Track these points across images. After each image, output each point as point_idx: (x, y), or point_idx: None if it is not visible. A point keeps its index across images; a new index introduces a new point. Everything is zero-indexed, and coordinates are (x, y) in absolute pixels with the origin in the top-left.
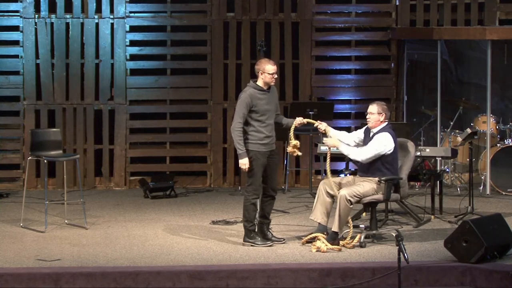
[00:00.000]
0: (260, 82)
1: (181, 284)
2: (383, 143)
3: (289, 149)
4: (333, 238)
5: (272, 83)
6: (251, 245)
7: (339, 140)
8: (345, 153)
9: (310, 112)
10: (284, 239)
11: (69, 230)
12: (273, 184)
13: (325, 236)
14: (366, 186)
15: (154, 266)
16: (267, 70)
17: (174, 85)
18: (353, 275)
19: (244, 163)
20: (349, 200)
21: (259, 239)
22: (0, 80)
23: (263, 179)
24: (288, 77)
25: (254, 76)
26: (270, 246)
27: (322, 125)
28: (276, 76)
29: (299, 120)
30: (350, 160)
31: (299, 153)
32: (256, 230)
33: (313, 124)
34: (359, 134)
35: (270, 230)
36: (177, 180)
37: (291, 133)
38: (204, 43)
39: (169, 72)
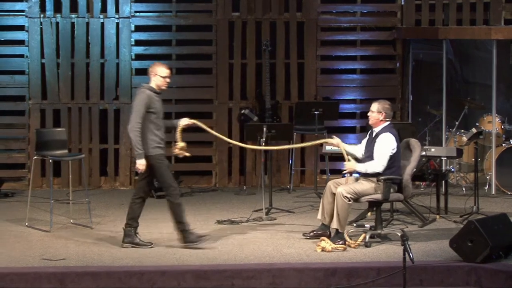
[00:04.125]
0: (153, 84)
1: (186, 283)
2: (387, 145)
3: (176, 150)
4: (338, 238)
5: (164, 87)
6: (186, 246)
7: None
8: (363, 171)
9: (316, 112)
10: (152, 244)
11: (74, 230)
12: (148, 186)
13: (328, 235)
14: (366, 184)
15: (159, 266)
16: (160, 73)
17: (179, 85)
18: (358, 275)
19: (142, 163)
20: (346, 196)
21: (194, 236)
22: (6, 80)
23: (147, 182)
24: (293, 77)
25: (259, 76)
26: (205, 240)
27: (334, 140)
28: (168, 80)
29: (185, 121)
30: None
31: (187, 154)
32: (190, 229)
33: (202, 127)
34: (364, 141)
35: (137, 235)
36: (182, 179)
37: (178, 135)
38: (209, 42)
39: (174, 71)
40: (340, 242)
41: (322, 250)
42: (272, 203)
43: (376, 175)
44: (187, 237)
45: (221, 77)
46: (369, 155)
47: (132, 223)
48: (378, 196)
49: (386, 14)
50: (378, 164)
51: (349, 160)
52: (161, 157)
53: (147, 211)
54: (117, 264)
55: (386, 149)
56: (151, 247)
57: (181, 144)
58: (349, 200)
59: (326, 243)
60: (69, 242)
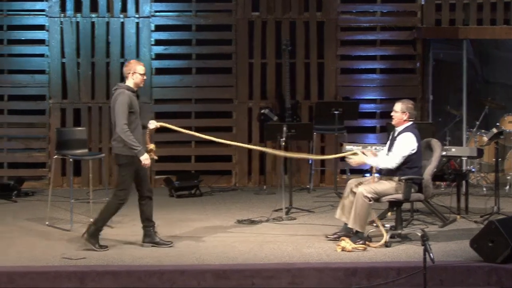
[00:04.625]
0: (130, 83)
1: (206, 283)
2: (406, 145)
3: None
4: (358, 237)
5: (141, 85)
6: (87, 244)
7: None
8: (374, 165)
9: (336, 112)
10: (172, 242)
11: None
12: (147, 185)
13: (350, 235)
14: (386, 184)
15: (179, 265)
16: (138, 70)
17: (199, 84)
18: (378, 275)
19: (145, 158)
20: (366, 196)
21: (97, 244)
22: (26, 79)
23: (137, 183)
24: (313, 77)
25: (279, 75)
26: (106, 250)
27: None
28: (145, 77)
29: (153, 124)
30: None
31: (155, 157)
32: (101, 231)
33: (173, 128)
34: (388, 142)
35: (156, 234)
36: (202, 179)
37: (147, 138)
38: (229, 42)
39: (194, 71)
40: (360, 242)
41: (342, 250)
42: (292, 203)
43: (392, 173)
44: (92, 236)
45: (241, 76)
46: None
47: (147, 223)
48: (399, 196)
49: (406, 14)
50: (392, 161)
51: (357, 154)
52: (132, 158)
53: (167, 210)
54: (137, 263)
55: (404, 148)
56: (171, 246)
57: (150, 146)
58: (370, 200)
59: (346, 243)
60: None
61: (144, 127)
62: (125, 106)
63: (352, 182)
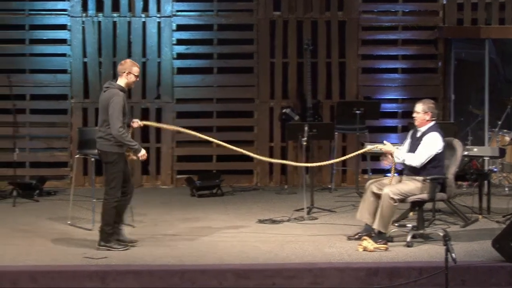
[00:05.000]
0: (122, 83)
1: (227, 282)
2: (433, 144)
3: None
4: (380, 238)
5: (132, 86)
6: (107, 249)
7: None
8: (400, 158)
9: (357, 112)
10: (137, 241)
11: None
12: (131, 181)
13: (372, 236)
14: (411, 184)
15: (200, 265)
16: (134, 71)
17: (220, 84)
18: (400, 275)
19: (142, 153)
20: (392, 198)
21: (115, 242)
22: (48, 79)
23: (123, 179)
24: (334, 76)
25: (301, 75)
26: (126, 250)
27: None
28: (138, 79)
29: (136, 123)
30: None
31: (134, 157)
32: (113, 233)
33: (158, 126)
34: (407, 142)
35: (122, 232)
36: (223, 178)
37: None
38: (251, 41)
39: (215, 70)
40: (382, 242)
41: (364, 250)
42: (313, 203)
43: (416, 173)
44: (108, 241)
45: (263, 76)
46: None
47: (117, 220)
48: (424, 196)
49: (427, 13)
50: (417, 159)
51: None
52: (121, 156)
53: (188, 210)
54: (159, 263)
55: (430, 148)
56: (127, 249)
57: None
58: (395, 202)
59: (368, 243)
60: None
61: (128, 125)
62: (120, 109)
63: (371, 183)
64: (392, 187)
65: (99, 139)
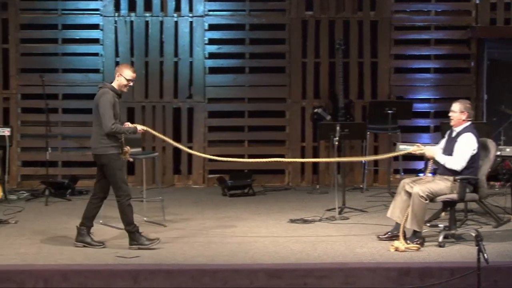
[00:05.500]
0: (114, 84)
1: (258, 282)
2: (469, 145)
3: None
4: (416, 237)
5: (125, 90)
6: (139, 248)
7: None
8: (442, 162)
9: (389, 111)
10: (103, 244)
11: (148, 228)
12: (106, 186)
13: (398, 235)
14: (441, 184)
15: (232, 264)
16: (125, 74)
17: (252, 84)
18: (431, 275)
19: (140, 128)
20: (422, 196)
21: (144, 239)
22: (80, 78)
23: (107, 182)
24: (366, 76)
25: (332, 75)
26: (157, 243)
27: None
28: (131, 84)
29: (140, 126)
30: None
31: (130, 159)
32: (139, 230)
33: (155, 134)
34: (442, 141)
35: (91, 234)
36: (255, 178)
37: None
38: (283, 41)
39: (247, 70)
40: (418, 242)
41: (396, 250)
42: (345, 202)
43: (453, 173)
44: (137, 239)
45: (295, 76)
46: (448, 154)
47: (86, 222)
48: (454, 196)
49: (460, 13)
50: (458, 162)
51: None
52: (114, 156)
53: (220, 209)
54: (190, 262)
55: (467, 149)
56: (103, 247)
57: (125, 148)
58: (425, 200)
59: (400, 243)
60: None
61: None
62: (110, 107)
63: (406, 181)
64: (422, 186)
65: (93, 142)
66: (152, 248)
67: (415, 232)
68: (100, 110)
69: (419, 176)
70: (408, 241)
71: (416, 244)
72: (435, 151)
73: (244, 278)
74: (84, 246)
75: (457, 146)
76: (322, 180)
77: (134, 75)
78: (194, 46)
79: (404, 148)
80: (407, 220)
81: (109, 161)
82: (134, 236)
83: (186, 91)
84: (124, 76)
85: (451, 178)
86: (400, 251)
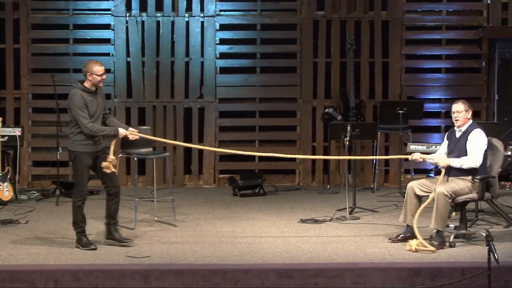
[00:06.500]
0: (87, 84)
1: (269, 282)
2: (482, 140)
3: (104, 163)
4: (440, 237)
5: (101, 85)
6: (77, 247)
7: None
8: (458, 165)
9: (400, 111)
10: (132, 240)
11: (158, 228)
12: (113, 181)
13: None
14: (462, 184)
15: (242, 264)
16: (95, 71)
17: (263, 84)
18: (442, 275)
19: (122, 133)
20: (447, 195)
21: (85, 241)
22: None
23: (101, 180)
24: (377, 76)
25: (343, 75)
26: (93, 249)
27: (415, 155)
28: (104, 77)
29: (124, 131)
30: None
31: (113, 170)
32: (83, 232)
33: (147, 138)
34: (444, 145)
35: (118, 231)
36: (265, 178)
37: (112, 147)
38: (294, 41)
39: (258, 70)
40: (441, 241)
41: (414, 250)
42: (355, 202)
43: (469, 173)
44: (77, 240)
45: (306, 75)
46: (457, 155)
47: (108, 220)
48: (474, 195)
49: (472, 13)
50: (475, 160)
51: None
52: (82, 155)
53: (231, 209)
54: (201, 262)
55: (481, 145)
56: (131, 244)
57: (111, 157)
58: (449, 199)
59: (415, 243)
60: (153, 240)
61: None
62: (79, 107)
63: (413, 184)
64: (445, 186)
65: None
66: (93, 249)
67: (438, 231)
68: (73, 113)
69: (429, 176)
70: (433, 241)
71: (435, 244)
72: (447, 158)
73: (255, 278)
74: (113, 244)
75: (471, 144)
76: (333, 180)
77: (102, 68)
78: (205, 46)
79: (415, 148)
80: (432, 221)
81: (74, 158)
82: (76, 236)
83: (197, 91)
84: (95, 73)
85: (468, 178)
86: (416, 251)
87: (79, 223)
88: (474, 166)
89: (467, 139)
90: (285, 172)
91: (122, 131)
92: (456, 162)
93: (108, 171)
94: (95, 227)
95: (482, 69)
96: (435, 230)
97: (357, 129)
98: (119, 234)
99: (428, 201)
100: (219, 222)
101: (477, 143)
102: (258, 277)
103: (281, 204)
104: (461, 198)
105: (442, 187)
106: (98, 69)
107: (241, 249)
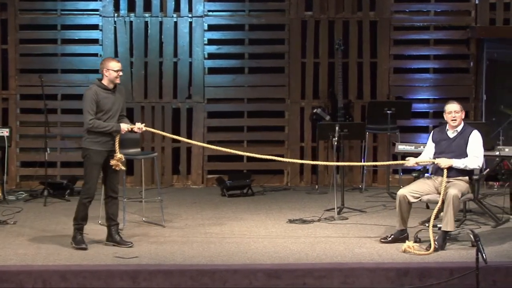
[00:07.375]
0: (105, 81)
1: (257, 282)
2: (481, 141)
3: (112, 161)
4: (445, 238)
5: (117, 81)
6: (70, 243)
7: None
8: (462, 166)
9: (388, 112)
10: (131, 243)
11: (146, 228)
12: (112, 184)
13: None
14: (463, 185)
15: (231, 264)
16: (112, 67)
17: (251, 84)
18: (430, 275)
19: (124, 128)
20: (459, 197)
21: (80, 239)
22: (80, 79)
23: (104, 181)
24: (366, 76)
25: (332, 75)
26: (84, 249)
27: (410, 162)
28: (121, 73)
29: (126, 126)
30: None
31: (123, 168)
32: (80, 230)
33: (155, 132)
34: (430, 146)
35: (119, 233)
36: (254, 178)
37: (117, 144)
38: (282, 41)
39: (246, 70)
40: (442, 243)
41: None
42: (344, 203)
43: (467, 174)
44: (73, 236)
45: (294, 76)
46: (455, 155)
47: (108, 222)
48: (471, 195)
49: (460, 13)
50: (478, 160)
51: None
52: (93, 152)
53: (218, 210)
54: (189, 263)
55: (481, 145)
56: (131, 246)
57: (118, 155)
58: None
59: (410, 244)
60: (142, 240)
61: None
62: (89, 101)
63: (404, 192)
64: (456, 188)
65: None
66: (83, 249)
67: (445, 233)
68: (82, 107)
69: (427, 176)
70: (438, 242)
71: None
72: (449, 159)
73: (244, 278)
74: (114, 246)
75: (474, 146)
76: (321, 180)
77: (119, 64)
78: (193, 47)
79: (403, 148)
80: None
81: (85, 155)
82: (73, 232)
83: (185, 92)
84: (112, 68)
85: (466, 178)
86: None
87: (79, 220)
88: (477, 167)
89: (467, 140)
90: (273, 173)
91: (124, 126)
92: (459, 163)
93: (117, 168)
94: (86, 227)
95: (470, 69)
96: (419, 230)
97: (346, 129)
98: (120, 237)
99: (439, 205)
100: (207, 223)
101: (479, 144)
102: (247, 277)
103: (269, 204)
104: (462, 199)
105: (454, 190)
106: (115, 65)
107: (229, 249)
